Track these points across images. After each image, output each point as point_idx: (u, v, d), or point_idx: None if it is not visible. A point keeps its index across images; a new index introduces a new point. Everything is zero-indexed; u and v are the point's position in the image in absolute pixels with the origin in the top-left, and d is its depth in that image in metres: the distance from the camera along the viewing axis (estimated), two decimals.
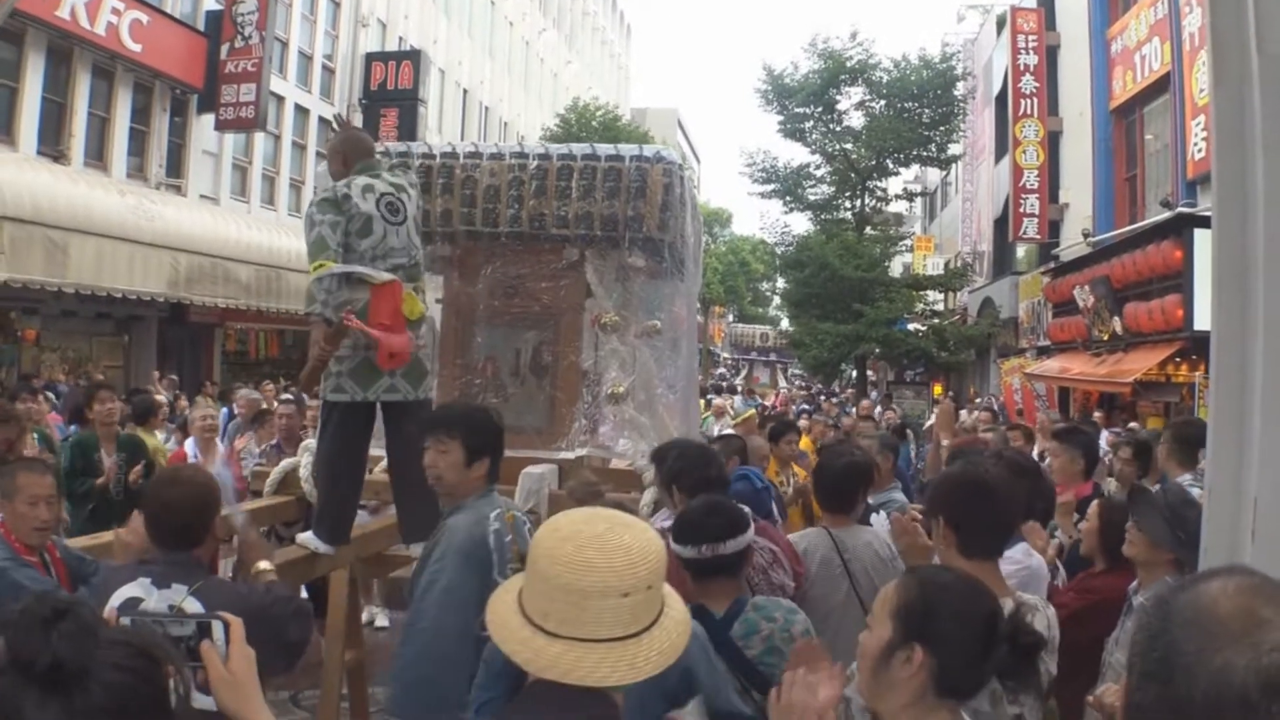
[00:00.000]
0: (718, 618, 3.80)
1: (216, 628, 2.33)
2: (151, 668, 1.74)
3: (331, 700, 6.20)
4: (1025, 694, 3.23)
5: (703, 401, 17.98)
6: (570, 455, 6.68)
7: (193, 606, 3.39)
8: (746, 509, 4.32)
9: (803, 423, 14.71)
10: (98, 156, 22.86)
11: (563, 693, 2.15)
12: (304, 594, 6.06)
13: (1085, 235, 25.65)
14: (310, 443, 6.73)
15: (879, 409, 24.07)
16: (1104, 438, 13.07)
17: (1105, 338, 22.59)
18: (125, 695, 1.67)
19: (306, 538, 5.71)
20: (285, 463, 6.86)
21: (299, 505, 6.55)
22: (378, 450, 6.20)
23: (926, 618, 2.56)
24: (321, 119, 31.41)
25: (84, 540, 5.43)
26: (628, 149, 6.89)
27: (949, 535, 3.84)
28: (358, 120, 32.66)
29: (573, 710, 2.15)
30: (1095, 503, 5.74)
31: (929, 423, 16.56)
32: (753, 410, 17.72)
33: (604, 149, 6.89)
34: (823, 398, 32.61)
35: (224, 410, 14.67)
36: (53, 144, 21.29)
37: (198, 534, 3.84)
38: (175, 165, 25.69)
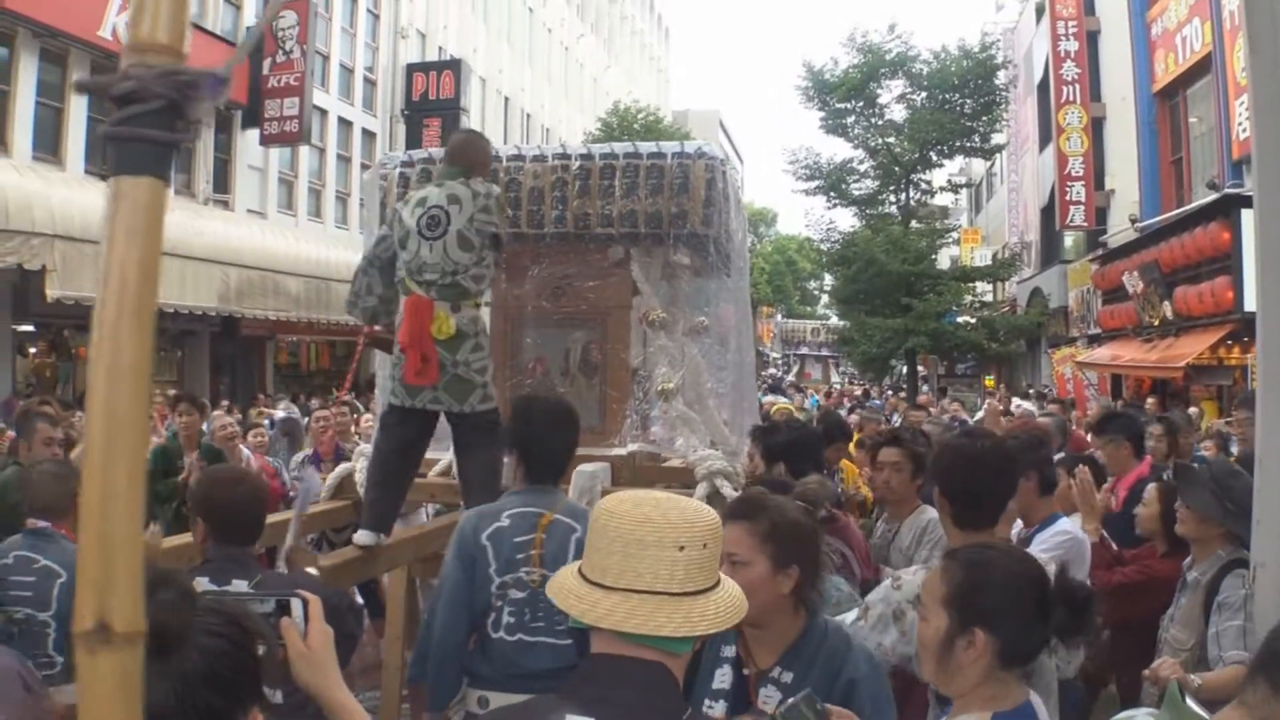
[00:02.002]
0: None
1: (295, 605, 2.35)
2: (244, 636, 1.78)
3: (392, 701, 6.24)
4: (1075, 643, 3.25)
5: None
6: (622, 452, 6.70)
7: None
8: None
9: (852, 418, 14.66)
10: None
11: (625, 666, 2.17)
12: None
13: (1132, 221, 25.45)
14: (365, 447, 6.79)
15: (945, 401, 24.00)
16: None
17: (1156, 323, 22.41)
18: (220, 661, 1.71)
19: (361, 536, 5.79)
20: (341, 468, 6.94)
21: (356, 510, 6.60)
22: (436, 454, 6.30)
23: (979, 600, 2.63)
24: (366, 131, 31.61)
25: (172, 540, 5.54)
26: (669, 146, 6.88)
27: (944, 505, 3.97)
28: (401, 131, 32.86)
29: (638, 683, 2.16)
30: (1153, 485, 5.71)
31: (979, 415, 16.51)
32: (786, 403, 17.64)
33: (646, 147, 6.89)
34: (888, 392, 32.50)
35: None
36: (99, 163, 21.41)
37: (253, 530, 3.96)
38: (222, 181, 25.93)
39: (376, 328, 5.78)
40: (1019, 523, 5.56)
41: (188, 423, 9.39)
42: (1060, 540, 4.74)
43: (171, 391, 19.21)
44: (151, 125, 1.65)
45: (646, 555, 2.15)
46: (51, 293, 17.84)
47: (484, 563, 4.28)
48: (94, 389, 1.59)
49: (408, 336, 5.42)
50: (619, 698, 2.14)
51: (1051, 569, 2.87)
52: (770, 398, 21.30)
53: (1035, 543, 4.81)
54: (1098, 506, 5.84)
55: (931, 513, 5.45)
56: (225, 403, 21.73)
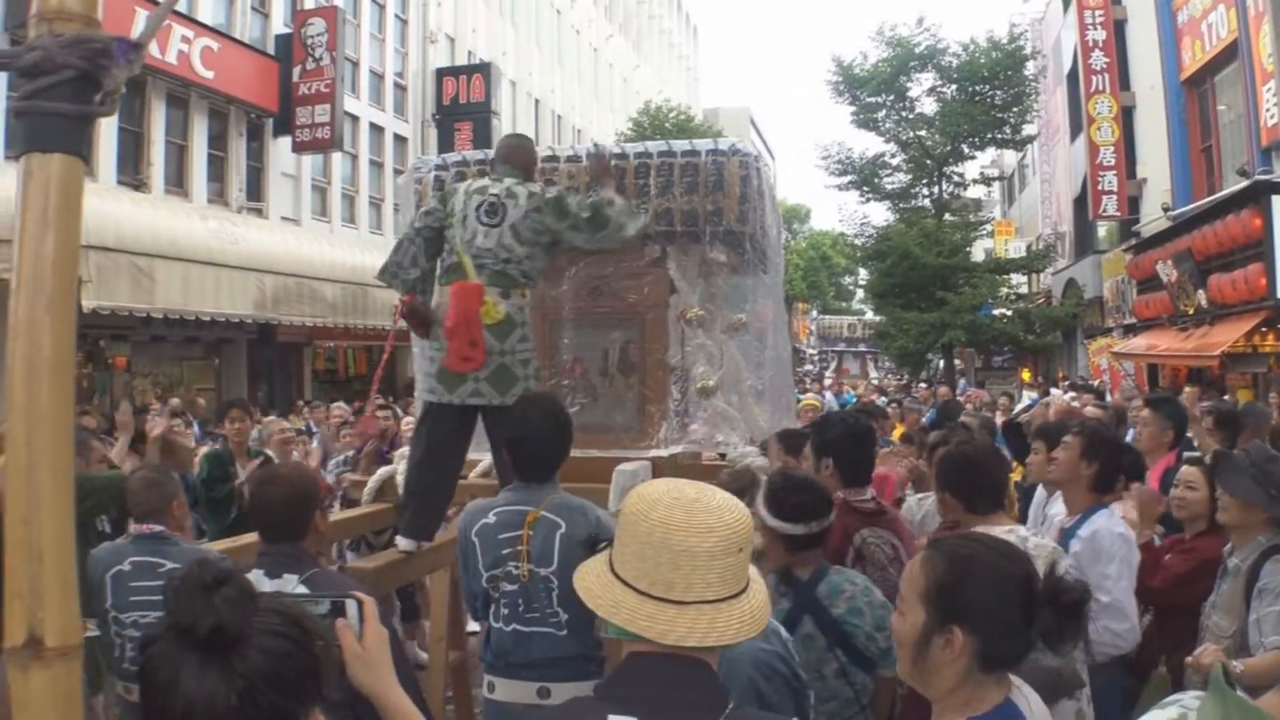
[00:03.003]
0: (804, 580, 4.11)
1: (350, 606, 2.35)
2: (305, 636, 1.78)
3: (436, 700, 6.26)
4: (1073, 650, 3.29)
5: None
6: (664, 453, 6.70)
7: None
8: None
9: (892, 409, 14.76)
10: (177, 183, 23.23)
11: (665, 664, 2.17)
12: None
13: (1165, 209, 25.30)
14: (405, 450, 6.80)
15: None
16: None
17: (1190, 311, 22.30)
18: (282, 661, 1.71)
19: (397, 539, 5.80)
20: (382, 470, 6.95)
21: (397, 513, 6.62)
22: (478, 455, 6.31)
23: (959, 596, 2.47)
24: (397, 136, 31.72)
25: (225, 542, 5.59)
26: (703, 143, 6.86)
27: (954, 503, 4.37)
28: (432, 136, 32.93)
29: (681, 681, 2.16)
30: (1195, 469, 5.67)
31: (1020, 408, 16.45)
32: (813, 398, 17.67)
33: (680, 145, 6.87)
34: (922, 385, 32.40)
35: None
36: (132, 173, 21.64)
37: (297, 528, 3.98)
38: (255, 189, 26.06)
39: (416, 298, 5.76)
40: (1060, 507, 5.56)
41: (239, 429, 9.49)
42: (1113, 544, 4.76)
43: (200, 400, 19.45)
44: (63, 98, 1.58)
45: (715, 565, 2.16)
46: (87, 303, 17.92)
47: (473, 557, 4.44)
48: (12, 388, 1.52)
49: (455, 319, 5.39)
50: (660, 696, 2.15)
51: (1041, 567, 2.77)
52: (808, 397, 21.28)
53: (1082, 539, 4.81)
54: (1158, 513, 5.84)
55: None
56: (299, 403, 21.94)
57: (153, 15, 2.17)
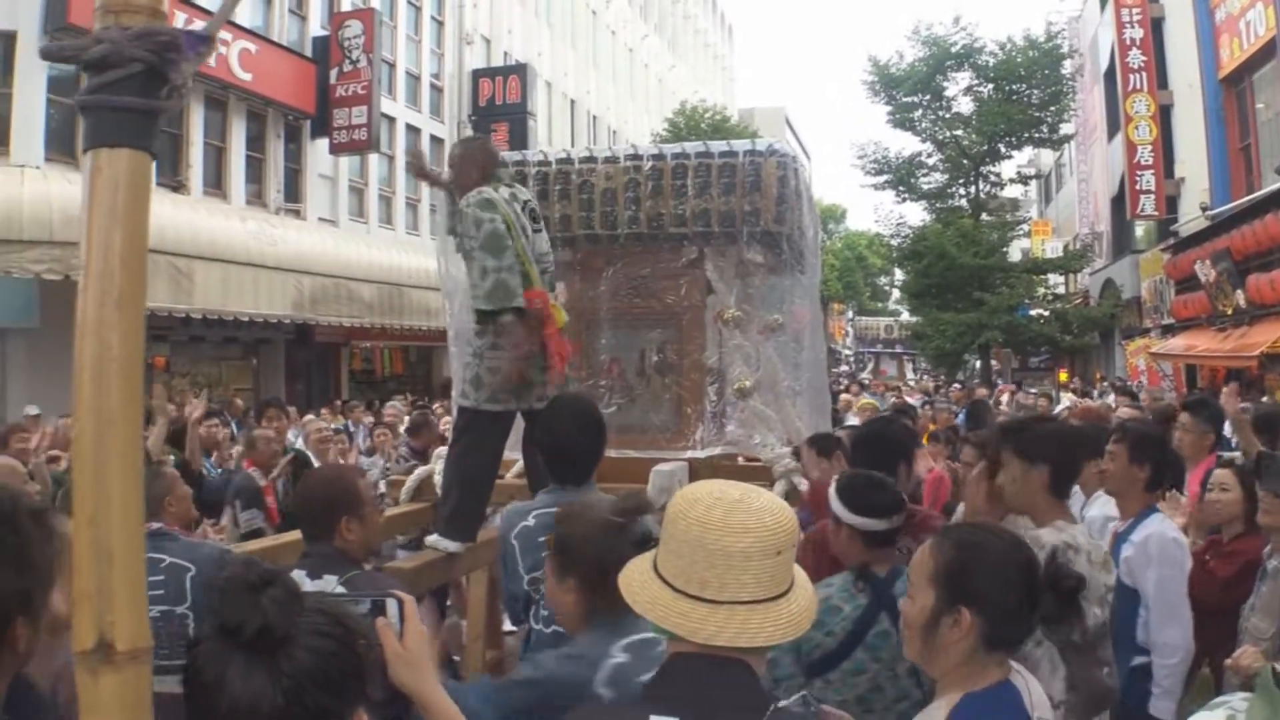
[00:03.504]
0: (881, 577, 4.04)
1: (390, 605, 2.35)
2: (349, 636, 1.79)
3: None
4: (1070, 634, 3.37)
5: None
6: (701, 454, 6.70)
7: None
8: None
9: (924, 410, 14.78)
10: (216, 185, 23.38)
11: (707, 665, 2.16)
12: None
13: (1203, 209, 25.11)
14: (443, 450, 6.81)
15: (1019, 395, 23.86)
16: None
17: (1229, 312, 22.16)
18: (328, 661, 1.72)
19: (435, 540, 5.80)
20: (420, 470, 6.97)
21: (435, 512, 6.64)
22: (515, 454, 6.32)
23: (967, 579, 2.64)
24: (434, 137, 31.81)
25: (266, 541, 5.62)
26: (740, 144, 6.86)
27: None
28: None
29: (722, 682, 2.16)
30: (1228, 471, 5.63)
31: (1061, 408, 16.40)
32: (872, 400, 17.70)
33: (717, 145, 6.88)
34: (955, 385, 32.25)
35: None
36: (171, 174, 21.76)
37: (324, 528, 4.01)
38: (293, 190, 26.20)
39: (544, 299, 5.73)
40: (1098, 510, 5.52)
41: (275, 428, 9.62)
42: (1165, 548, 4.72)
43: (238, 399, 19.55)
44: (130, 92, 1.56)
45: (750, 566, 2.14)
46: None
47: (513, 560, 4.41)
48: (80, 387, 1.50)
49: (549, 326, 5.47)
50: (702, 697, 2.14)
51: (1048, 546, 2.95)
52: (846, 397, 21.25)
53: (1134, 544, 4.76)
54: (1210, 522, 5.79)
55: None
56: (336, 403, 22.02)
57: (219, 9, 2.17)
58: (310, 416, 13.54)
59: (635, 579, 2.31)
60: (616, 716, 2.35)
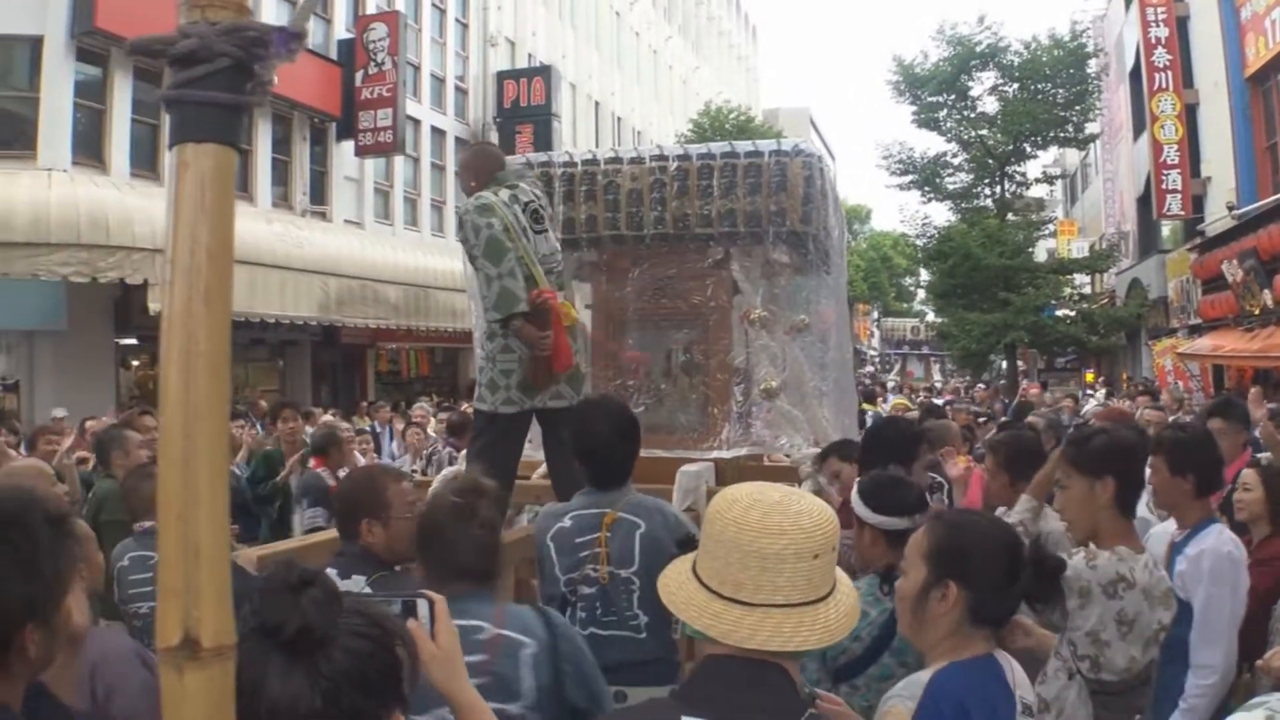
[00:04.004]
0: None
1: (421, 606, 2.37)
2: (386, 637, 1.79)
3: None
4: (1051, 614, 3.55)
5: None
6: (727, 455, 6.69)
7: None
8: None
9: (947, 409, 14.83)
10: (242, 187, 23.28)
11: (741, 668, 2.15)
12: None
13: (1230, 208, 24.92)
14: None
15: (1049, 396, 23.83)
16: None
17: (1256, 312, 22.03)
18: (366, 662, 1.72)
19: None
20: (447, 470, 6.99)
21: None
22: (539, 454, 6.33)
23: (956, 556, 2.81)
24: (458, 139, 31.85)
25: (293, 542, 5.64)
26: (766, 144, 6.87)
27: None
28: (493, 139, 33.03)
29: (756, 685, 2.15)
30: (1252, 471, 5.59)
31: (1087, 409, 16.36)
32: (904, 400, 17.73)
33: (742, 146, 6.88)
34: (980, 385, 32.16)
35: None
36: (143, 166, 21.70)
37: (349, 527, 4.08)
38: (319, 192, 26.27)
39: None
40: (1161, 519, 5.44)
41: (291, 429, 9.77)
42: (1217, 564, 4.51)
43: (262, 400, 19.61)
44: (217, 87, 1.56)
45: (785, 569, 2.13)
46: (154, 306, 18.07)
47: (549, 562, 4.42)
48: (168, 382, 1.50)
49: (555, 322, 5.51)
50: (734, 700, 2.13)
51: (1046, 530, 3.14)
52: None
53: (1188, 558, 4.54)
54: None
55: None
56: (363, 405, 22.10)
57: (302, 4, 2.19)
58: (327, 417, 13.59)
59: (673, 580, 2.30)
60: (649, 715, 2.35)
